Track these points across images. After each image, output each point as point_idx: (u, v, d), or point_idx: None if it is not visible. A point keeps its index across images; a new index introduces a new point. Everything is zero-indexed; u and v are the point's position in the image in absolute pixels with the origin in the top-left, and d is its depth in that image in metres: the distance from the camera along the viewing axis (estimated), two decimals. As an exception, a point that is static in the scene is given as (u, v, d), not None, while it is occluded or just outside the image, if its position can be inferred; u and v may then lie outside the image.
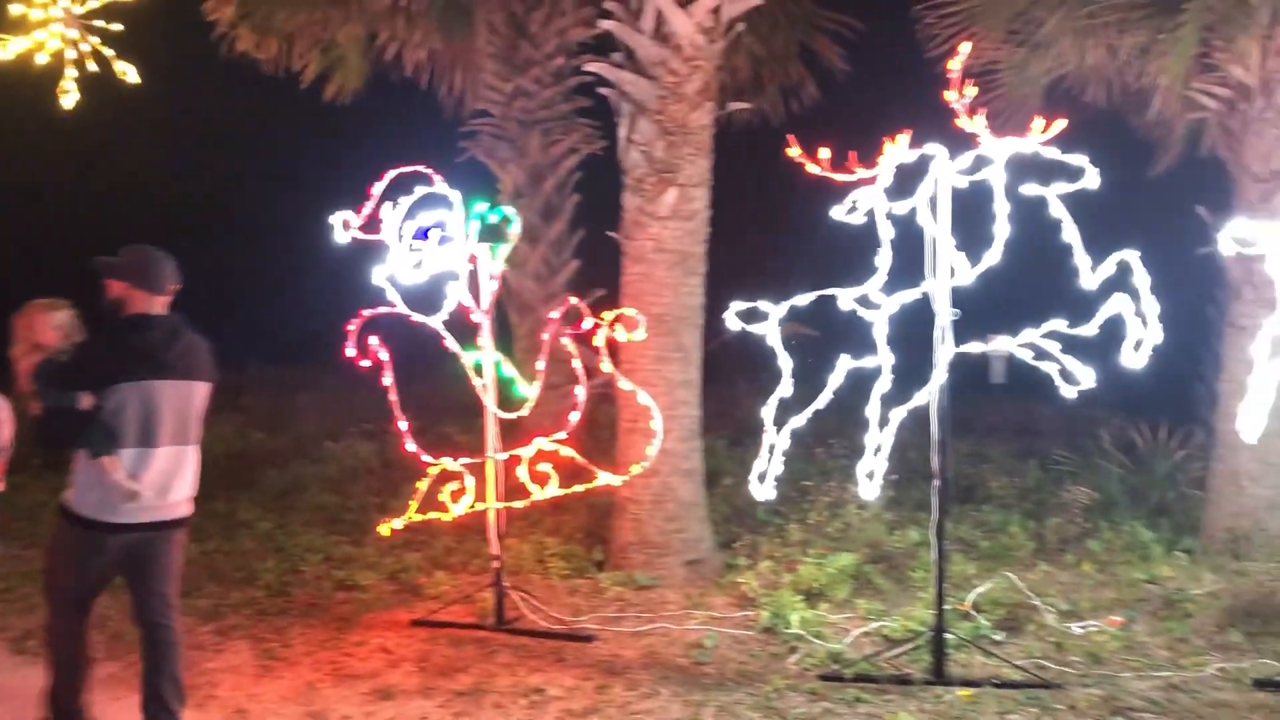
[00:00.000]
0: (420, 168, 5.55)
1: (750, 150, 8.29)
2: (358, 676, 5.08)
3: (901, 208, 5.02)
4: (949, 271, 4.98)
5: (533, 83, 8.73)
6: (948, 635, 5.06)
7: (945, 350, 5.03)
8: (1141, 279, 4.91)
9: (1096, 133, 7.96)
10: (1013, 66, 6.88)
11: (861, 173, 5.02)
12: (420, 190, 5.57)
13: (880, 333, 5.10)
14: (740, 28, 6.62)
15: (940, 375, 5.04)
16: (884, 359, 5.10)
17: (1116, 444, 7.99)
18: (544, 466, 5.58)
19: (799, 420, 5.23)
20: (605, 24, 6.56)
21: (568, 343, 5.56)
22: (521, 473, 5.62)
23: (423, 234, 5.61)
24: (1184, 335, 6.94)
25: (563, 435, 5.56)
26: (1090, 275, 4.94)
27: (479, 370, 5.69)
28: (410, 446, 5.71)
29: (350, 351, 5.50)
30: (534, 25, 8.56)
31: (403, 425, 5.69)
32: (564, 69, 8.72)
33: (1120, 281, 4.97)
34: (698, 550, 6.45)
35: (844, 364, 5.15)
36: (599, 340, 5.48)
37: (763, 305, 5.22)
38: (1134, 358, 4.89)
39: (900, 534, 6.66)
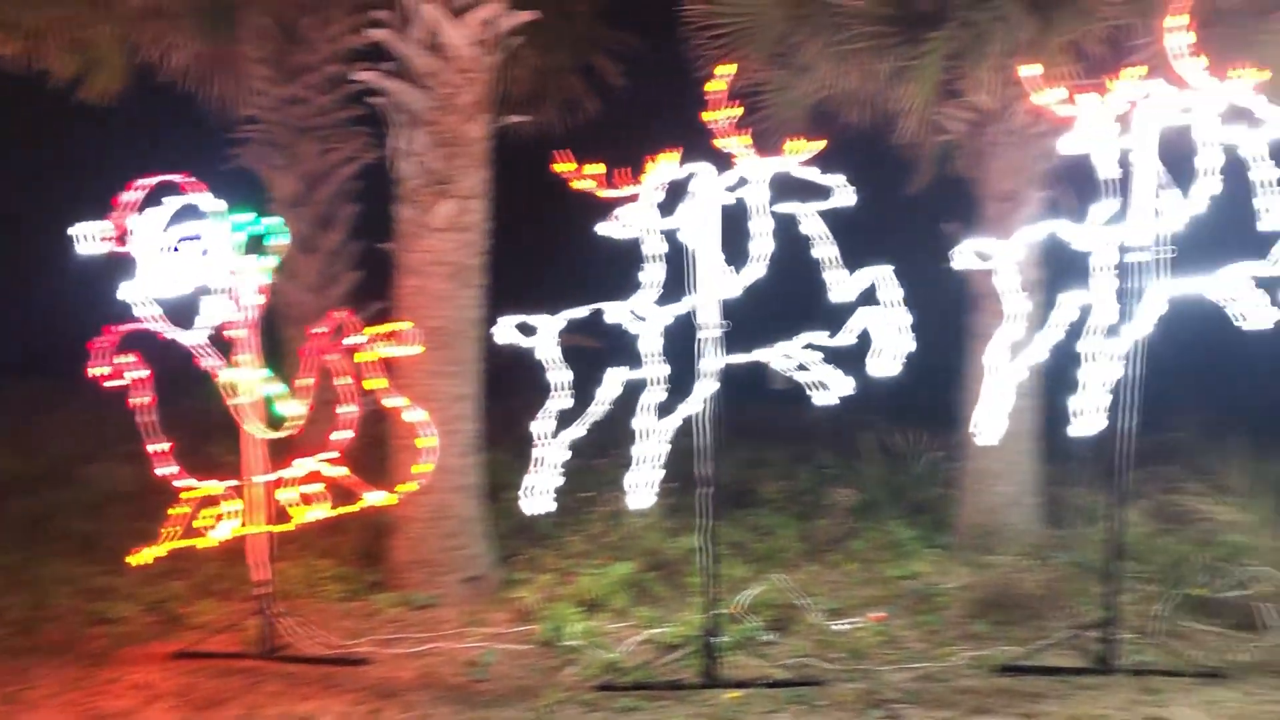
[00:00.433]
0: (173, 175, 5.29)
1: (533, 162, 8.29)
2: (109, 716, 4.78)
3: (670, 223, 5.16)
4: (715, 285, 5.14)
5: (306, 89, 8.46)
6: (720, 639, 5.20)
7: (712, 361, 5.18)
8: (891, 292, 5.21)
9: (858, 152, 8.40)
10: (777, 88, 7.15)
11: (630, 189, 5.13)
12: (176, 199, 5.31)
13: (649, 345, 5.22)
14: (517, 41, 6.62)
15: (708, 386, 5.19)
16: (654, 371, 5.22)
17: (880, 448, 8.42)
18: (313, 487, 5.41)
19: (573, 433, 5.28)
20: (375, 34, 6.44)
21: (335, 358, 5.41)
22: (289, 494, 5.44)
23: (181, 244, 5.34)
24: (945, 343, 7.43)
25: (332, 455, 5.40)
26: (845, 289, 5.20)
27: (236, 388, 5.46)
28: (163, 470, 5.41)
29: (98, 370, 5.18)
30: (305, 31, 8.30)
31: (157, 448, 5.39)
32: (339, 76, 8.48)
33: (872, 294, 5.26)
34: (477, 566, 6.39)
35: (616, 376, 5.24)
36: (368, 355, 5.36)
37: (535, 318, 5.24)
38: (884, 366, 5.18)
39: (678, 541, 6.80)
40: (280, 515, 5.52)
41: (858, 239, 6.21)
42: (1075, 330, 5.35)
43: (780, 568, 6.62)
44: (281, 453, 5.70)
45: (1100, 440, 5.34)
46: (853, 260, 5.30)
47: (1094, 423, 5.27)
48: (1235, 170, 5.26)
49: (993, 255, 5.36)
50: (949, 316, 7.50)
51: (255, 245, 5.49)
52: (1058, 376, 5.64)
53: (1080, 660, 5.26)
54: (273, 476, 5.50)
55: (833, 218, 5.21)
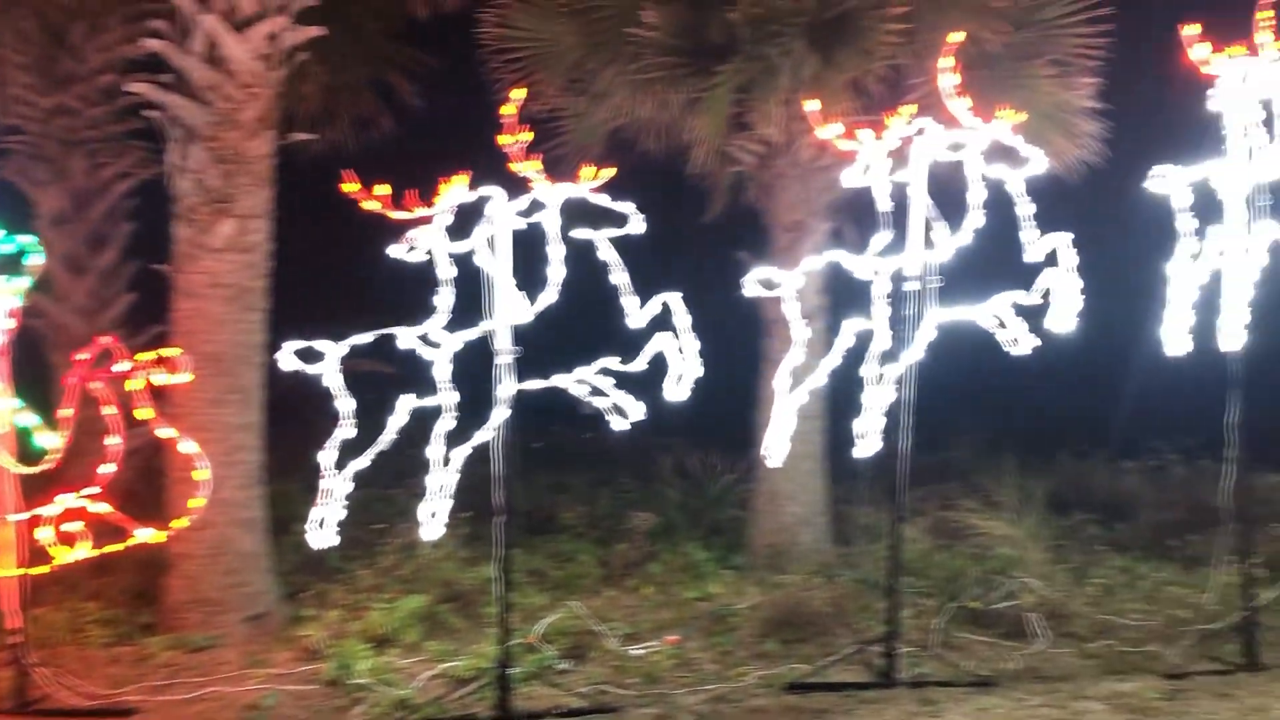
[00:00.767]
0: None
1: (323, 181, 8.03)
2: None
3: (461, 247, 5.08)
4: (509, 311, 5.08)
5: (76, 100, 7.91)
6: (515, 670, 5.11)
7: (506, 388, 5.12)
8: (682, 318, 5.28)
9: (656, 180, 8.54)
10: (575, 115, 7.19)
11: (421, 211, 5.02)
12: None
13: (441, 372, 5.11)
14: (304, 56, 6.40)
15: (502, 412, 5.12)
16: (446, 398, 5.11)
17: (679, 470, 8.53)
18: (73, 525, 5.02)
19: (361, 463, 5.12)
20: (152, 44, 6.09)
21: (99, 386, 5.05)
22: (47, 533, 5.03)
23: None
24: (743, 368, 7.60)
25: (95, 490, 5.03)
26: (638, 315, 5.25)
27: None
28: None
29: None
30: (75, 38, 7.77)
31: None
32: (113, 87, 7.98)
33: (665, 320, 5.33)
34: (260, 604, 6.08)
35: (406, 403, 5.11)
36: (137, 383, 5.03)
37: (319, 344, 5.05)
38: (677, 391, 5.25)
39: (474, 571, 6.66)
40: (38, 556, 5.10)
41: (657, 265, 6.28)
42: (859, 355, 5.58)
43: (578, 594, 6.59)
44: (42, 489, 5.27)
45: (882, 460, 5.57)
46: (652, 286, 5.37)
47: (874, 444, 5.49)
48: (1004, 205, 5.62)
49: (779, 283, 5.52)
50: (746, 342, 7.70)
51: (9, 265, 5.08)
52: (846, 399, 5.86)
53: (864, 675, 5.43)
54: (26, 515, 5.07)
55: (630, 244, 5.25)
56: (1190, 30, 5.59)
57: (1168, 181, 5.65)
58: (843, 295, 6.27)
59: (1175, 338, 5.66)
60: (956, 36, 5.42)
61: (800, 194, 7.10)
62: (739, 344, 7.92)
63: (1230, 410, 5.78)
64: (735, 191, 7.91)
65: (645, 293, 5.35)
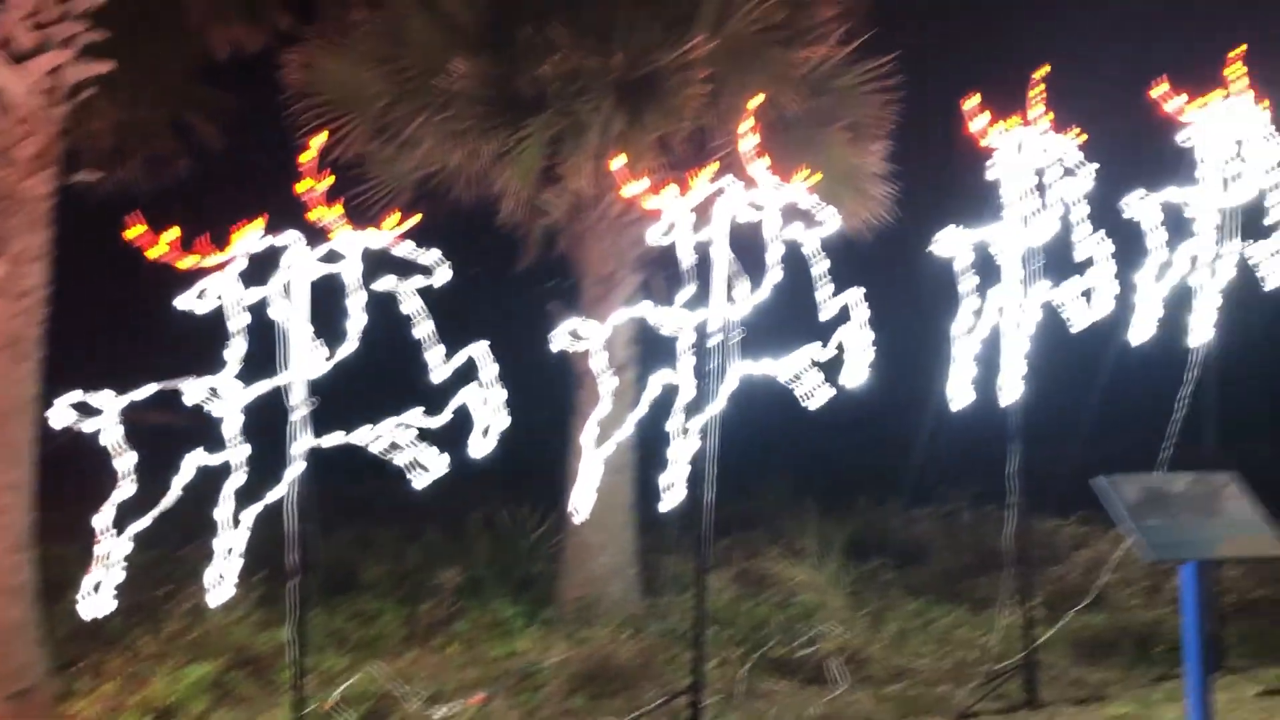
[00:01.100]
0: None
1: (111, 224, 7.61)
2: None
3: (255, 296, 4.88)
4: (305, 363, 4.90)
5: None
6: (307, 738, 4.88)
7: (301, 443, 4.92)
8: (488, 370, 5.22)
9: (468, 231, 8.48)
10: (383, 161, 7.06)
11: (214, 258, 4.80)
12: None
13: (231, 426, 4.87)
14: (91, 92, 6.06)
15: (296, 468, 4.92)
16: (236, 454, 4.86)
17: (489, 524, 8.40)
18: None
19: (141, 524, 4.81)
20: (-82, 74, 5.65)
21: None
22: None
23: None
24: (556, 420, 7.57)
25: None
26: (442, 367, 5.15)
27: None
28: None
29: None
30: None
31: None
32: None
33: (471, 372, 5.25)
34: (26, 678, 5.58)
35: (192, 460, 4.84)
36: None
37: (97, 397, 4.73)
38: (481, 445, 5.17)
39: (269, 634, 6.35)
40: None
41: (466, 316, 6.20)
42: (668, 407, 5.64)
43: (381, 655, 6.36)
44: None
45: (689, 511, 5.63)
46: (461, 338, 5.29)
47: (679, 495, 5.55)
48: (802, 263, 5.83)
49: (587, 336, 5.54)
50: (559, 394, 7.68)
51: None
52: (657, 451, 5.92)
53: (669, 728, 5.44)
54: None
55: (440, 295, 5.17)
56: (970, 103, 5.97)
57: (951, 243, 5.99)
58: (654, 348, 6.37)
59: (959, 391, 5.98)
60: (756, 100, 5.62)
61: (610, 247, 7.17)
62: (552, 396, 7.90)
63: (1010, 459, 6.13)
64: (547, 243, 7.93)
65: (454, 344, 5.28)
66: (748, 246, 5.92)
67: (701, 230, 5.48)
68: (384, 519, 9.68)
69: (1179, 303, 6.56)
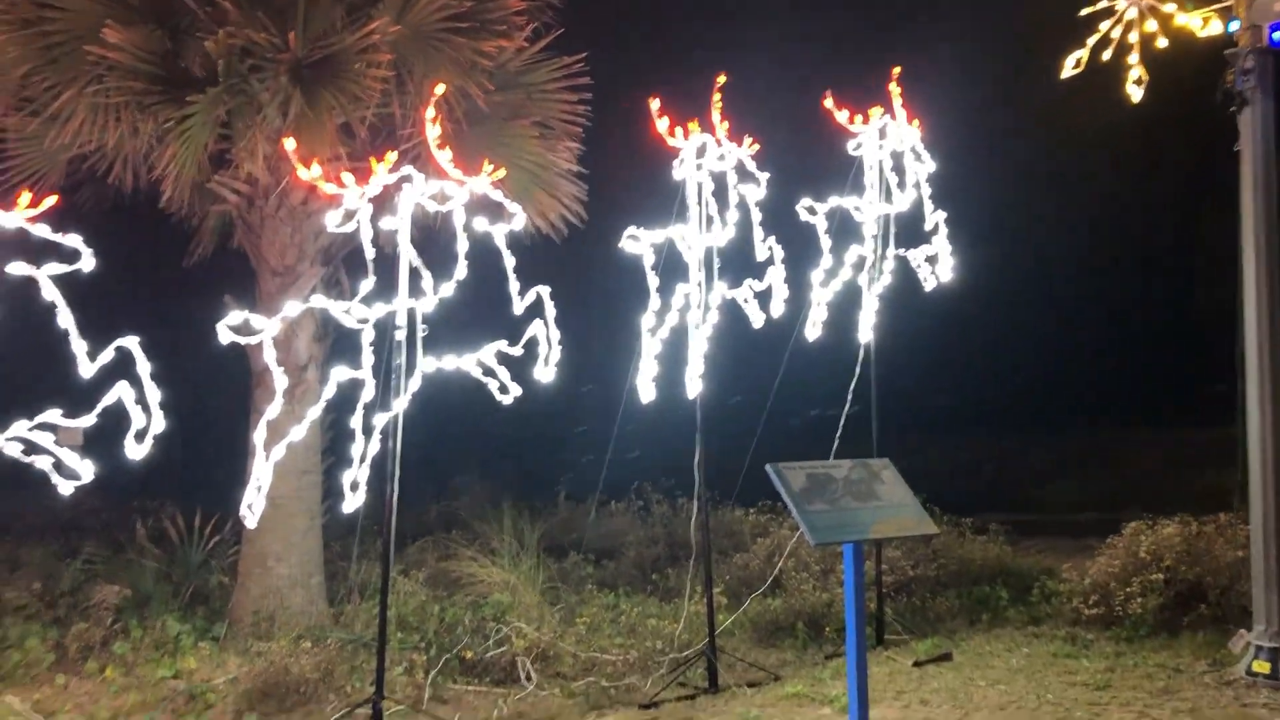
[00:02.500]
0: None
1: None
2: None
3: None
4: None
5: None
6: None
7: (-85, 448, 4.32)
8: (143, 366, 4.79)
9: (137, 217, 7.78)
10: (26, 137, 6.35)
11: None
12: None
13: None
14: None
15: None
16: None
17: (157, 536, 7.76)
18: None
19: None
20: None
21: None
22: None
23: None
24: (233, 420, 7.06)
25: None
26: (88, 364, 4.67)
27: None
28: None
29: None
30: None
31: None
32: None
33: (124, 368, 4.79)
34: None
35: None
36: None
37: None
38: (136, 448, 4.73)
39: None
40: None
41: (135, 308, 5.65)
42: (351, 405, 5.38)
43: (21, 685, 5.70)
44: None
45: (377, 513, 5.39)
46: (119, 330, 4.81)
47: (361, 496, 5.31)
48: (494, 257, 5.74)
49: (258, 330, 5.19)
50: (237, 392, 7.19)
51: None
52: (343, 451, 5.63)
53: (349, 741, 5.19)
54: None
55: (95, 284, 4.68)
56: (654, 105, 6.09)
57: (639, 242, 6.09)
58: (345, 345, 6.08)
59: (646, 386, 6.09)
60: (439, 89, 5.48)
61: (291, 237, 6.78)
62: (228, 394, 7.40)
63: (697, 452, 6.31)
64: (223, 232, 7.42)
65: (112, 337, 4.80)
66: (436, 240, 5.78)
67: (384, 221, 5.28)
68: (34, 536, 8.76)
69: (849, 303, 7.02)
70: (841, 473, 4.66)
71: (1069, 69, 6.61)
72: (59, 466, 4.56)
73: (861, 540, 4.48)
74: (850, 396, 6.95)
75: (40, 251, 4.67)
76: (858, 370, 7.05)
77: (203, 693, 5.68)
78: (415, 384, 5.33)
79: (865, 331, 6.99)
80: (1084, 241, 13.96)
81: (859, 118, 7.07)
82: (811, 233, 6.91)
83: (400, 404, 5.30)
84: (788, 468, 4.56)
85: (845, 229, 7.03)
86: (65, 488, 4.61)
